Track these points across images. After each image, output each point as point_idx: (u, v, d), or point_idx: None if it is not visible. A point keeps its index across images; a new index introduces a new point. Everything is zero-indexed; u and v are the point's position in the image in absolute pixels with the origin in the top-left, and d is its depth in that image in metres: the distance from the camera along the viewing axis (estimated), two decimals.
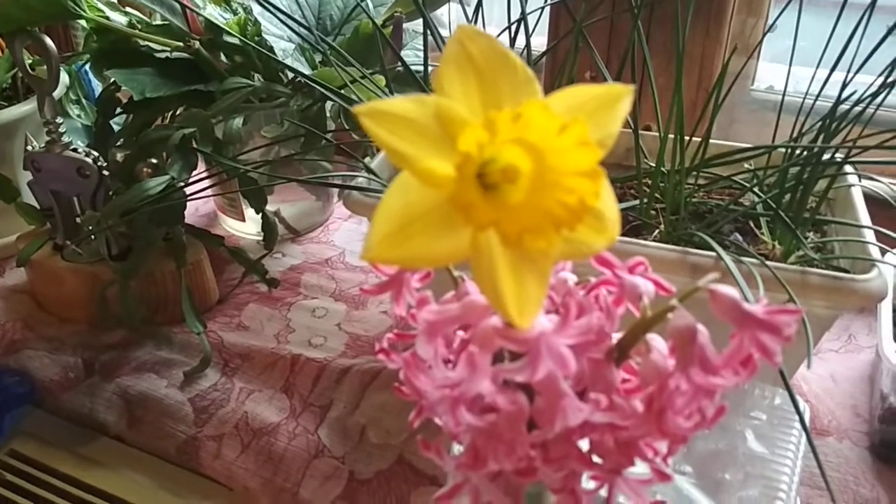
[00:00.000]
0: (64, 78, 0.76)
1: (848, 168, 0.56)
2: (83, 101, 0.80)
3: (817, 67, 0.51)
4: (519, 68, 0.21)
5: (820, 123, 0.51)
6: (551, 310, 0.27)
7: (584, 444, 0.25)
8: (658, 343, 0.25)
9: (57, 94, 0.63)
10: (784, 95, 0.56)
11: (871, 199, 0.54)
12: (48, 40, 0.58)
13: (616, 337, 0.25)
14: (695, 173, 0.58)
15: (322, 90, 0.58)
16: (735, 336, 0.23)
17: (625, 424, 0.23)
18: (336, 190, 0.84)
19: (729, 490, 0.40)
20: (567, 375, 0.22)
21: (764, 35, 0.68)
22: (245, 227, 0.80)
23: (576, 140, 0.18)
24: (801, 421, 0.38)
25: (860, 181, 0.55)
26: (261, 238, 0.73)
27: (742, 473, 0.41)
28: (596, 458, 0.25)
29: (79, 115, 0.78)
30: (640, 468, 0.26)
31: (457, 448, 0.34)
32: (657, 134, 0.56)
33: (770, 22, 0.72)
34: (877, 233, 0.50)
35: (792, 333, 0.22)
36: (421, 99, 0.20)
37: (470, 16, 0.57)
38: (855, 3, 0.50)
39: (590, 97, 0.21)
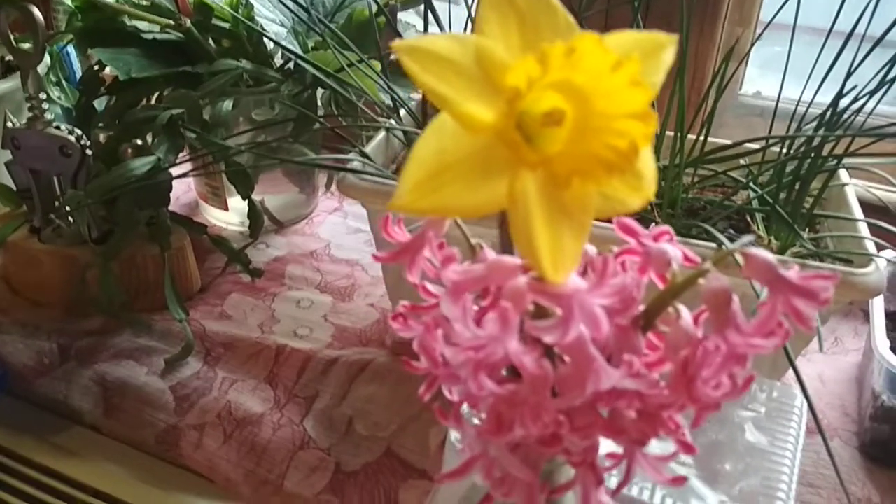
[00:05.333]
0: (45, 59, 0.74)
1: (842, 171, 0.56)
2: (64, 83, 0.78)
3: (808, 80, 0.52)
4: (560, 13, 0.20)
5: (817, 121, 0.51)
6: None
7: None
8: (685, 312, 0.24)
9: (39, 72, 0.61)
10: (778, 102, 0.56)
11: (864, 204, 0.54)
12: (35, 10, 0.56)
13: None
14: (690, 169, 0.58)
15: (316, 73, 0.57)
16: (767, 303, 0.23)
17: (653, 392, 0.23)
18: (321, 183, 0.83)
19: (729, 480, 0.40)
20: (598, 337, 0.21)
21: (752, 44, 0.68)
22: (228, 217, 0.79)
23: (628, 79, 0.18)
24: (809, 402, 0.38)
25: (851, 179, 0.56)
26: (244, 229, 0.71)
27: (742, 464, 0.40)
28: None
29: (59, 97, 0.76)
30: (655, 447, 0.26)
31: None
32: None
33: (759, 29, 0.72)
34: (871, 230, 0.50)
35: (829, 298, 0.21)
36: (462, 39, 0.19)
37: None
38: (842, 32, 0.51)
39: (634, 43, 0.20)
